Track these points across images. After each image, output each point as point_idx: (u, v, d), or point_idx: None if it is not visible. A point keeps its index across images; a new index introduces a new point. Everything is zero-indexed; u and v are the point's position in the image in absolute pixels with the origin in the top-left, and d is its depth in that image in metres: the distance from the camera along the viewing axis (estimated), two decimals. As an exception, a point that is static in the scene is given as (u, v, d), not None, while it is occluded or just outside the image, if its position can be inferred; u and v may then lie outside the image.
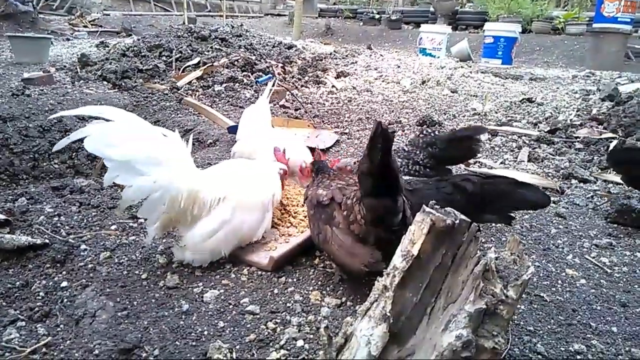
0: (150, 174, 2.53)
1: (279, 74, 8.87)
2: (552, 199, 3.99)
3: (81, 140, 2.40)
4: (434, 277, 1.59)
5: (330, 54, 12.05)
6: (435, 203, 1.68)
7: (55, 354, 2.12)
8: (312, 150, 4.76)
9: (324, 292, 2.59)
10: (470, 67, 11.61)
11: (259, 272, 2.76)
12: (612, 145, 3.98)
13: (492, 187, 2.64)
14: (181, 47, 9.34)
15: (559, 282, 2.78)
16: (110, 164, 2.48)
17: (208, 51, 9.55)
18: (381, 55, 12.62)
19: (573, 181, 4.48)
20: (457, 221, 1.57)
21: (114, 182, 2.54)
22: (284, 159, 3.39)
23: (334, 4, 27.16)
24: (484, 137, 4.04)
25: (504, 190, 2.63)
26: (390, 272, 1.59)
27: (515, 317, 2.38)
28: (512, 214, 2.72)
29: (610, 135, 5.36)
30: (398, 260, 1.59)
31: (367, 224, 2.37)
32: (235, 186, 2.85)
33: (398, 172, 2.19)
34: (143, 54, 8.96)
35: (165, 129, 2.77)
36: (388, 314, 1.52)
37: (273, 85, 4.17)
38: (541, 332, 2.31)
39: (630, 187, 3.95)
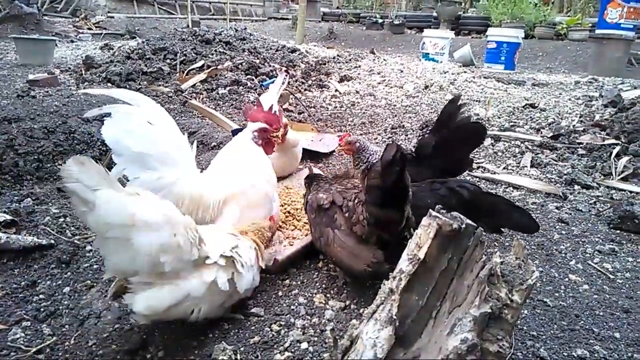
0: (158, 170, 2.52)
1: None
2: (555, 204, 4.01)
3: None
4: (440, 281, 1.60)
5: (334, 58, 12.08)
6: (439, 207, 1.69)
7: (60, 354, 2.14)
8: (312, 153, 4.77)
9: (328, 295, 2.60)
10: (473, 72, 11.63)
11: (263, 275, 2.77)
12: None
13: (488, 201, 2.70)
14: (185, 50, 9.37)
15: (562, 287, 2.79)
16: (120, 158, 2.44)
17: (212, 54, 9.58)
18: (384, 59, 12.65)
19: (576, 187, 4.48)
20: (464, 226, 1.58)
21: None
22: (262, 113, 3.07)
23: (337, 8, 27.20)
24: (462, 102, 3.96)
25: (498, 209, 2.69)
26: (397, 275, 1.60)
27: (519, 321, 2.39)
28: (501, 229, 2.83)
29: (613, 141, 5.36)
30: (404, 264, 1.60)
31: (369, 225, 2.39)
32: (237, 189, 2.83)
33: (409, 187, 2.21)
34: (147, 56, 8.99)
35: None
36: (394, 317, 1.53)
37: (283, 84, 3.92)
38: (544, 337, 2.32)
39: None
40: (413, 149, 3.73)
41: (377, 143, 5.62)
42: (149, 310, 2.05)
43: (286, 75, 3.83)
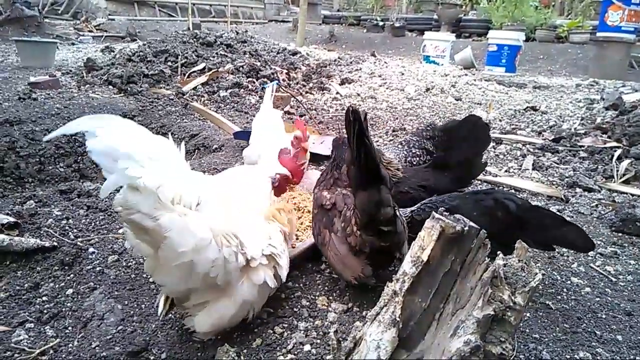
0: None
1: (283, 80, 8.91)
2: (557, 207, 4.01)
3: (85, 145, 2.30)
4: (443, 283, 1.60)
5: (335, 60, 12.10)
6: (442, 210, 1.70)
7: (63, 355, 2.14)
8: (313, 155, 4.78)
9: (331, 297, 2.61)
10: (474, 74, 11.64)
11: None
12: None
13: (535, 215, 2.61)
14: (187, 53, 9.40)
15: (564, 290, 2.79)
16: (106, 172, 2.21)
17: (213, 57, 9.61)
18: (385, 62, 12.66)
19: (577, 190, 4.48)
20: (467, 228, 1.59)
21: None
22: (292, 162, 3.21)
23: (338, 10, 27.21)
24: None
25: (546, 224, 2.59)
26: (400, 277, 1.60)
27: (522, 324, 2.39)
28: (552, 246, 2.72)
29: (615, 144, 5.37)
30: (407, 266, 1.60)
31: (361, 230, 2.39)
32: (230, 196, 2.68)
33: (377, 160, 2.21)
34: (149, 59, 9.02)
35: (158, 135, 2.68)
36: (397, 319, 1.53)
37: (275, 91, 4.21)
38: (547, 339, 2.32)
39: None
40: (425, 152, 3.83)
41: (378, 146, 5.63)
42: (213, 327, 2.14)
43: (277, 83, 4.05)
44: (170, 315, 2.37)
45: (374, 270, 2.44)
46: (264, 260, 2.23)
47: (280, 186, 2.97)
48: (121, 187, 1.81)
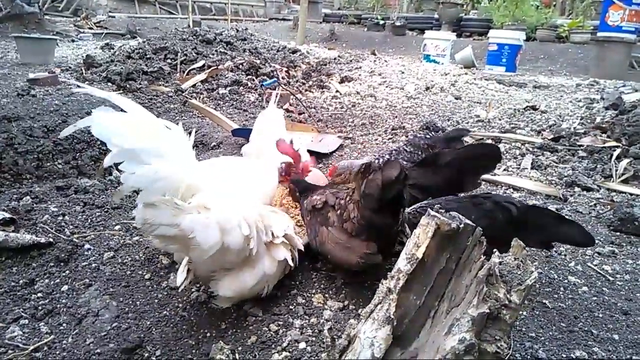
0: (152, 163, 2.35)
1: (282, 78, 8.89)
2: (555, 206, 4.00)
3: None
4: (438, 281, 1.59)
5: (335, 59, 12.07)
6: (438, 207, 1.69)
7: (57, 352, 2.14)
8: (312, 153, 4.77)
9: (327, 295, 2.60)
10: (474, 74, 11.61)
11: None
12: None
13: (536, 215, 2.61)
14: (186, 50, 9.38)
15: (561, 289, 2.78)
16: (114, 149, 2.27)
17: (213, 54, 9.59)
18: (385, 60, 12.64)
19: (576, 189, 4.47)
20: (462, 225, 1.58)
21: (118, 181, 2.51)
22: (291, 149, 3.20)
23: (339, 9, 27.18)
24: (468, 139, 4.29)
25: (546, 223, 2.60)
26: (395, 274, 1.59)
27: (517, 323, 2.38)
28: (552, 244, 2.72)
29: (614, 144, 5.35)
30: (402, 263, 1.59)
31: (360, 225, 2.40)
32: (234, 181, 2.80)
33: (406, 200, 2.26)
34: (148, 56, 8.99)
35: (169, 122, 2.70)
36: (392, 317, 1.52)
37: (274, 89, 4.22)
38: (543, 338, 2.31)
39: None
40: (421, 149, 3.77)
41: (377, 144, 5.62)
42: (235, 293, 2.31)
43: (276, 80, 4.07)
44: (171, 306, 2.37)
45: (378, 247, 2.42)
46: (285, 240, 2.46)
47: (288, 173, 3.14)
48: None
